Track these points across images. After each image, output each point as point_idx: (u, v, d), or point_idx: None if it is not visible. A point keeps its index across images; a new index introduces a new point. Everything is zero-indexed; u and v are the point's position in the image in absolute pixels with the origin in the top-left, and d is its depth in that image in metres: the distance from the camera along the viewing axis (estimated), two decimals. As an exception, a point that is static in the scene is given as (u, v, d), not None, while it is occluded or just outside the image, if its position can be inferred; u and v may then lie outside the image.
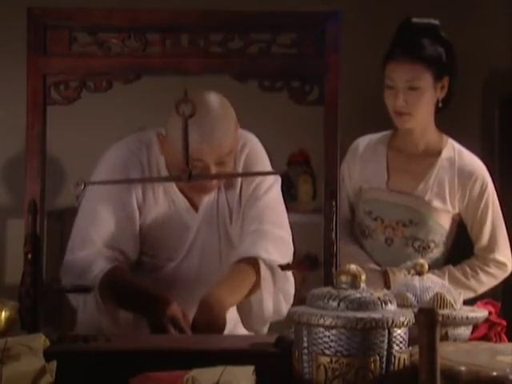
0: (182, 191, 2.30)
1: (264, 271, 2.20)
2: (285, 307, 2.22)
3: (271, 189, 2.33)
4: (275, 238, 2.26)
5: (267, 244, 2.24)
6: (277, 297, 2.22)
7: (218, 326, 2.10)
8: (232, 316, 2.36)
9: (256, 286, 2.20)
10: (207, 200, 2.30)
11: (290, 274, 2.22)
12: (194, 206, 2.31)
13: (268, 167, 2.35)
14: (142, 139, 2.31)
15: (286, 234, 2.30)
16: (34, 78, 1.88)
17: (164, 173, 2.27)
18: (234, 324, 2.35)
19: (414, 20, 2.63)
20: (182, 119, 1.81)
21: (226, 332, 2.25)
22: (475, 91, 4.40)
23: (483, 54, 4.31)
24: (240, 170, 2.31)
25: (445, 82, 2.62)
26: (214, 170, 2.15)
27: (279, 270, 2.16)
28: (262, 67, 1.91)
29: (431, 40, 2.60)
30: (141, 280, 2.24)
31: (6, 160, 4.13)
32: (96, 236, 2.22)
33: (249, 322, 2.27)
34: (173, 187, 2.29)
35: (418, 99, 2.58)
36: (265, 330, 2.30)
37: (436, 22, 2.65)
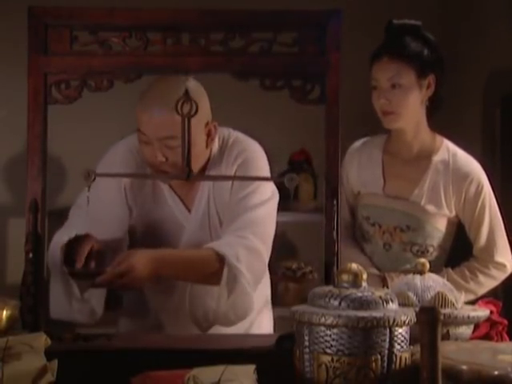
0: (173, 189, 2.30)
1: (225, 275, 2.13)
2: (233, 317, 2.17)
3: (265, 204, 2.26)
4: (253, 250, 2.20)
5: (242, 252, 2.16)
6: (226, 304, 2.15)
7: (128, 285, 2.06)
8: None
9: (210, 280, 2.15)
10: (199, 201, 2.30)
11: (246, 290, 2.15)
12: (187, 206, 2.31)
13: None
14: None
15: (266, 250, 2.24)
16: (35, 77, 1.89)
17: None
18: (250, 323, 2.35)
19: (396, 21, 2.64)
20: (182, 118, 1.81)
21: (241, 331, 2.25)
22: (476, 91, 4.39)
23: (484, 53, 4.31)
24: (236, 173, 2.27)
25: (430, 80, 2.62)
26: (159, 154, 2.13)
27: (240, 281, 2.12)
28: (263, 66, 1.91)
29: (413, 38, 2.61)
30: None
31: (8, 159, 4.13)
32: (79, 228, 2.16)
33: (192, 309, 2.19)
34: (166, 186, 2.29)
35: (401, 97, 2.58)
36: (204, 323, 2.19)
37: (418, 22, 2.66)
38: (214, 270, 2.13)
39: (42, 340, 1.56)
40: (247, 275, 2.13)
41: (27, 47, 1.89)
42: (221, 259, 2.13)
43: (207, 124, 2.21)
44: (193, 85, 2.11)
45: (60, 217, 3.94)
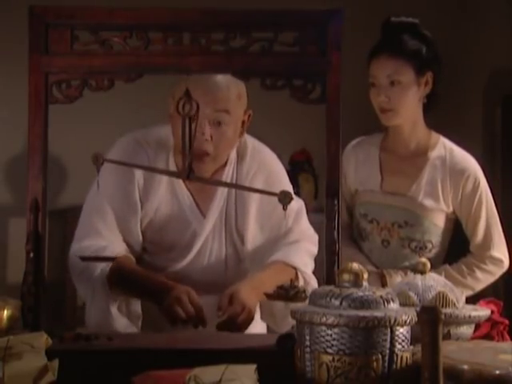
0: (187, 187, 2.30)
1: (301, 282, 2.26)
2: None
3: (301, 209, 2.41)
4: (311, 254, 2.36)
5: (305, 257, 2.32)
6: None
7: (248, 321, 2.14)
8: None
9: None
10: (216, 206, 2.30)
11: None
12: (200, 208, 2.31)
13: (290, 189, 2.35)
14: (152, 134, 2.31)
15: (316, 251, 2.38)
16: (36, 77, 1.88)
17: (173, 168, 2.27)
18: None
19: (394, 19, 2.65)
20: (183, 117, 1.80)
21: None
22: (477, 91, 4.40)
23: (485, 53, 4.31)
24: (260, 187, 2.28)
25: (428, 77, 2.63)
26: (207, 130, 2.15)
27: (312, 284, 2.25)
28: (263, 66, 1.91)
29: (411, 36, 2.62)
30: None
31: (8, 158, 4.14)
32: (100, 226, 2.23)
33: (276, 323, 2.34)
34: (179, 181, 2.28)
35: (400, 94, 2.59)
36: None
37: (416, 20, 2.67)
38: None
39: (42, 340, 1.56)
40: (314, 278, 2.27)
41: (28, 47, 1.89)
42: (292, 270, 2.26)
43: (246, 111, 2.26)
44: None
45: (61, 216, 3.94)
